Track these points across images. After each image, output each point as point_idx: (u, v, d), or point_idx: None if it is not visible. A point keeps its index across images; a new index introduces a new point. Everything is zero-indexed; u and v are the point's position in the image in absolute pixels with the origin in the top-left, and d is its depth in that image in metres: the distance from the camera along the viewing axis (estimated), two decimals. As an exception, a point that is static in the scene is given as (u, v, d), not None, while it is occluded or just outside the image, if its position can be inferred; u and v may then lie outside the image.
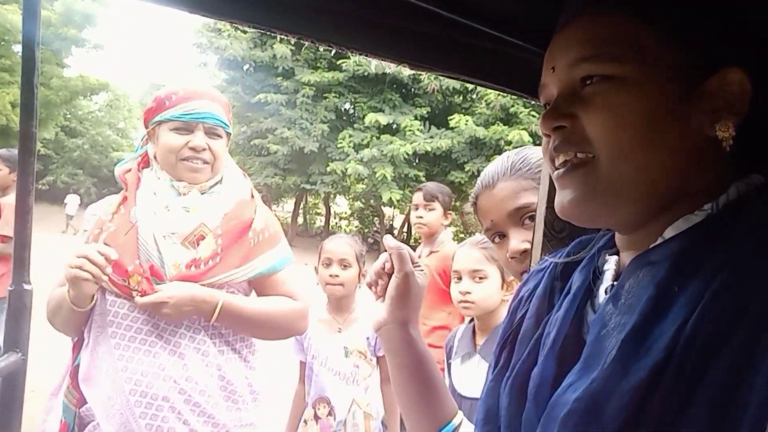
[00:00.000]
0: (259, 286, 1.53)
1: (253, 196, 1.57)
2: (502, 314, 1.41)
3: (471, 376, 1.46)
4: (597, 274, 0.58)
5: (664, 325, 0.43)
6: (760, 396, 0.37)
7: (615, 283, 0.54)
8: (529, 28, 0.87)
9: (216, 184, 1.53)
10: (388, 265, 0.81)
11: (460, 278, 1.64)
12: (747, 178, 0.49)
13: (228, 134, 1.56)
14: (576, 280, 0.59)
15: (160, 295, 1.33)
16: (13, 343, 1.06)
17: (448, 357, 1.60)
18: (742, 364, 0.39)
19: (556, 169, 0.54)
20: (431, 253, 2.81)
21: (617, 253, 0.57)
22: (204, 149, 1.47)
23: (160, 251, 1.39)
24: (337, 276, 2.06)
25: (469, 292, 1.58)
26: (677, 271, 0.46)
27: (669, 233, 0.50)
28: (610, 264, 0.57)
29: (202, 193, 1.49)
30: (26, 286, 1.09)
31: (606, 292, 0.55)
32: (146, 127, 1.54)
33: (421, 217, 2.83)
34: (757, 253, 0.43)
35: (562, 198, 0.54)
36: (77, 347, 1.46)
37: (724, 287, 0.42)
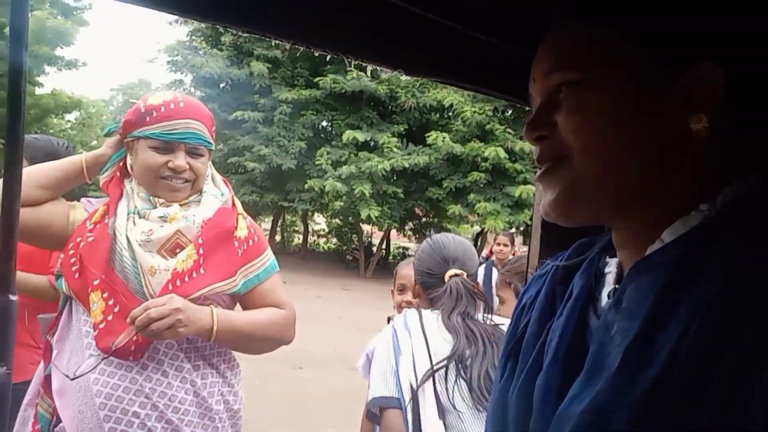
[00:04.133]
0: (245, 296, 1.48)
1: (234, 205, 1.54)
2: None
3: None
4: (598, 277, 0.58)
5: (666, 333, 0.43)
6: (762, 403, 0.37)
7: (617, 287, 0.55)
8: (524, 33, 0.89)
9: (195, 194, 1.50)
10: None
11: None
12: (743, 178, 0.50)
13: (210, 151, 1.52)
14: (577, 284, 0.59)
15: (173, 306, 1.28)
16: (-2, 356, 1.02)
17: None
18: (745, 371, 0.39)
19: (540, 175, 0.57)
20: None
21: (617, 255, 0.58)
22: (185, 170, 1.43)
23: (134, 258, 1.35)
24: (411, 302, 2.03)
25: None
26: (678, 276, 0.46)
27: (667, 236, 0.50)
28: (611, 267, 0.58)
29: (181, 206, 1.46)
30: (11, 297, 1.05)
31: (608, 296, 0.55)
32: (123, 136, 1.49)
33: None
34: (757, 257, 0.43)
35: (544, 201, 0.56)
36: (47, 355, 1.43)
37: (724, 293, 0.42)
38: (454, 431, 1.29)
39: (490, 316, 1.48)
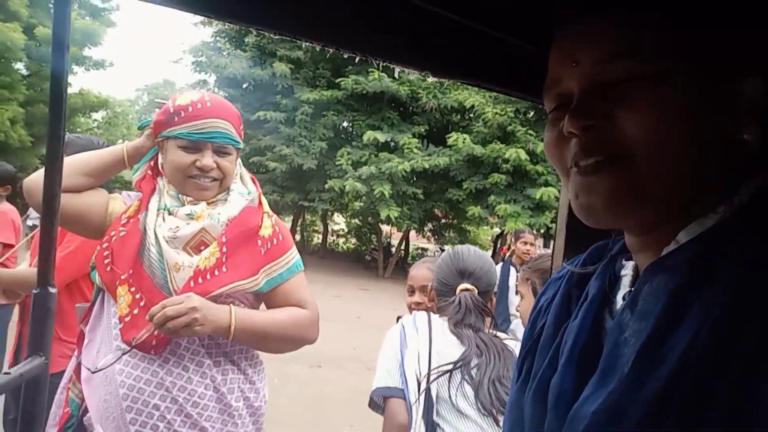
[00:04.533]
0: (268, 295, 1.50)
1: (261, 204, 1.55)
2: None
3: None
4: (614, 280, 0.58)
5: (679, 334, 0.43)
6: None
7: (632, 289, 0.55)
8: (531, 28, 0.90)
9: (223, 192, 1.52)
10: None
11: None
12: (757, 178, 0.49)
13: (237, 149, 1.54)
14: (592, 287, 0.59)
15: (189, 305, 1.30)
16: (37, 347, 1.07)
17: None
18: (756, 373, 0.39)
19: (582, 169, 0.52)
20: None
21: (632, 258, 0.58)
22: (212, 168, 1.46)
23: (161, 254, 1.38)
24: (420, 303, 2.07)
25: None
26: (692, 277, 0.46)
27: (683, 237, 0.50)
28: (627, 270, 0.58)
29: (208, 204, 1.49)
30: (51, 290, 1.09)
31: (624, 299, 0.55)
32: (155, 136, 1.53)
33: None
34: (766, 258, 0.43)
35: (590, 200, 0.52)
36: (81, 341, 1.48)
37: (737, 295, 0.42)
38: (450, 427, 1.33)
39: (494, 332, 1.51)
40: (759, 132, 0.48)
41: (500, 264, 4.50)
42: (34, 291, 1.05)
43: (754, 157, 0.50)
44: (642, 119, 0.49)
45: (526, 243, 4.71)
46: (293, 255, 1.56)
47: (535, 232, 12.65)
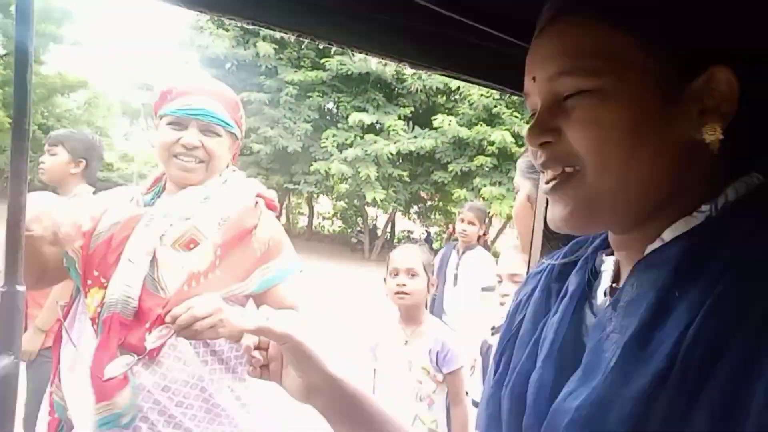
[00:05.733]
0: (259, 298, 1.44)
1: (257, 203, 1.49)
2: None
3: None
4: (593, 275, 0.58)
5: (665, 331, 0.43)
6: (761, 402, 0.37)
7: (614, 284, 0.55)
8: (520, 24, 0.88)
9: (214, 186, 1.47)
10: (255, 342, 0.73)
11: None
12: (745, 177, 0.49)
13: (232, 134, 1.49)
14: (572, 282, 0.59)
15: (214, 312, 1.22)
16: (7, 345, 1.04)
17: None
18: (743, 370, 0.39)
19: (546, 183, 0.54)
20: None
21: (614, 253, 0.57)
22: (196, 147, 1.41)
23: (150, 252, 1.34)
24: (404, 285, 2.05)
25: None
26: (678, 275, 0.46)
27: (668, 235, 0.50)
28: (608, 265, 0.57)
29: (204, 198, 1.43)
30: (19, 288, 1.07)
31: (605, 294, 0.55)
32: (155, 118, 1.51)
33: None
34: (758, 257, 0.43)
35: (554, 213, 0.54)
36: (58, 342, 1.42)
37: (725, 292, 0.42)
38: None
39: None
40: (721, 129, 0.47)
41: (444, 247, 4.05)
42: (2, 289, 1.02)
43: (743, 156, 0.49)
44: (583, 135, 0.50)
45: (463, 221, 3.75)
46: (288, 256, 1.50)
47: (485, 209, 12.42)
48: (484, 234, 3.92)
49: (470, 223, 3.72)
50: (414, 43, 0.92)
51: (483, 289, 3.36)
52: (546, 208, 0.94)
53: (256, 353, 0.73)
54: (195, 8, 0.82)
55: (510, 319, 0.66)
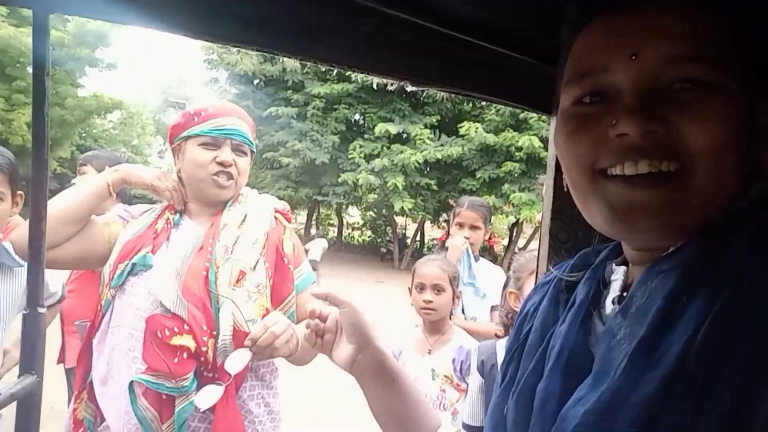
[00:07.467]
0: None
1: (278, 219, 1.58)
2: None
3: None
4: (603, 285, 0.57)
5: (674, 336, 0.43)
6: None
7: (624, 293, 0.54)
8: (531, 42, 0.88)
9: (244, 217, 1.51)
10: (319, 311, 0.87)
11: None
12: (756, 185, 0.48)
13: (252, 152, 1.57)
14: (580, 292, 0.58)
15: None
16: (29, 365, 1.08)
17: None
18: (752, 375, 0.38)
19: (629, 180, 0.48)
20: None
21: (624, 263, 0.57)
22: (231, 164, 1.49)
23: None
24: (431, 302, 2.05)
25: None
26: (687, 280, 0.45)
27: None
28: (618, 274, 0.56)
29: (238, 233, 1.47)
30: (40, 310, 1.10)
31: (614, 303, 0.54)
32: (171, 143, 1.55)
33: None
34: (765, 262, 0.42)
35: (637, 218, 0.48)
36: (84, 357, 1.46)
37: (733, 297, 0.41)
38: None
39: None
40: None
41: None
42: (24, 311, 1.06)
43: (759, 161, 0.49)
44: (703, 131, 0.45)
45: (462, 226, 2.63)
46: (306, 267, 1.60)
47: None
48: (490, 239, 2.95)
49: (472, 227, 2.62)
50: (424, 62, 0.93)
51: (493, 308, 2.50)
52: (551, 218, 0.94)
53: (318, 321, 0.86)
54: (201, 38, 0.85)
55: (517, 329, 0.66)
